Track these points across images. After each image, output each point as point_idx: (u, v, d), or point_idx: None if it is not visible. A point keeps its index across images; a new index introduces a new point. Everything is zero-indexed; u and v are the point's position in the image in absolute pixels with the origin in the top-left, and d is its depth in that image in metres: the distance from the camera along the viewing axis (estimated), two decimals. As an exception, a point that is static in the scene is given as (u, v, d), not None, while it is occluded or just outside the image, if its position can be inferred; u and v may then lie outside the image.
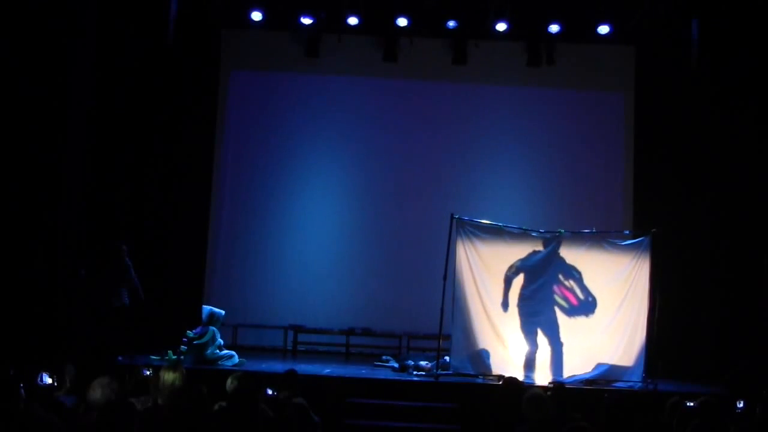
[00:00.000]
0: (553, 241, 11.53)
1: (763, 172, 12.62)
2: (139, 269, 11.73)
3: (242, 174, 14.86)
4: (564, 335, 11.39)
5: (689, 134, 13.52)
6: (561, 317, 11.48)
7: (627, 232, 12.55)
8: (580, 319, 11.47)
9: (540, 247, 11.60)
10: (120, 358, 10.89)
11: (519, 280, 11.51)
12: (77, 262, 11.62)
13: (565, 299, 11.51)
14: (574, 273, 11.54)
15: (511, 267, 11.51)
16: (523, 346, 11.38)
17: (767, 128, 12.55)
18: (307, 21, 14.15)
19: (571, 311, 11.49)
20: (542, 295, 11.48)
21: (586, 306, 11.49)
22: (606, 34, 14.06)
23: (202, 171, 14.11)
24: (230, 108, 14.88)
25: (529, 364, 11.27)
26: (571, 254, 11.58)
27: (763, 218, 12.58)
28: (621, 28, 13.98)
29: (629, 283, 11.51)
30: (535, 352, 11.31)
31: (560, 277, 11.52)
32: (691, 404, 7.23)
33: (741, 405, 8.52)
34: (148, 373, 7.52)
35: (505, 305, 11.45)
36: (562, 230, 11.72)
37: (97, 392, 5.86)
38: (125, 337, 11.26)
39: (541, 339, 11.38)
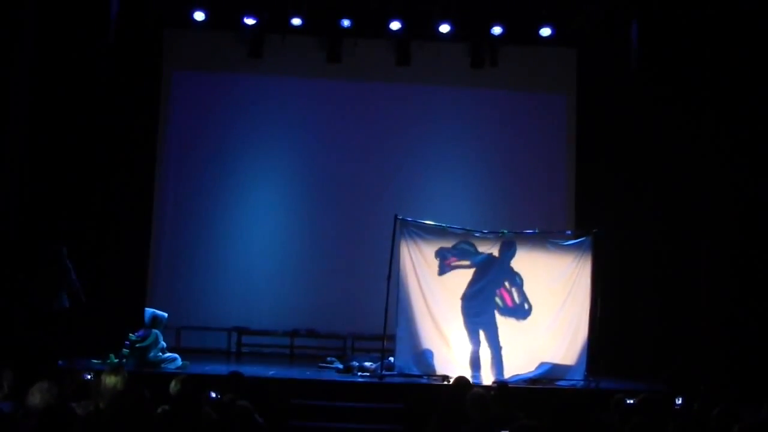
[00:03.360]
0: (508, 248, 11.59)
1: (702, 173, 12.83)
2: (80, 271, 11.55)
3: (185, 175, 14.73)
4: (508, 335, 11.49)
5: (630, 135, 13.70)
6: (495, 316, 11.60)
7: (569, 232, 12.69)
8: (517, 320, 11.59)
9: (489, 250, 11.67)
10: (60, 362, 10.71)
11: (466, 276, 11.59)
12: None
13: (502, 299, 11.63)
14: (516, 279, 11.67)
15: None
16: (466, 346, 11.45)
17: (706, 129, 12.75)
18: (250, 21, 14.06)
19: (504, 311, 11.63)
20: (485, 296, 11.57)
21: (520, 310, 11.63)
22: (548, 37, 14.20)
23: (144, 172, 13.92)
24: (172, 108, 14.73)
25: (475, 364, 11.35)
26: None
27: (700, 219, 12.80)
28: (563, 30, 14.14)
29: (571, 283, 11.66)
30: (478, 351, 11.39)
31: (505, 281, 11.63)
32: (632, 401, 7.35)
33: (679, 401, 8.68)
34: (89, 377, 7.45)
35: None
36: (505, 230, 11.82)
37: (36, 397, 5.79)
38: (66, 341, 11.08)
39: (483, 339, 11.46)
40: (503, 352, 11.40)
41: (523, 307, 11.61)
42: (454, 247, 11.63)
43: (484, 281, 11.58)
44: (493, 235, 11.78)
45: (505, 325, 11.53)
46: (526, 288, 11.63)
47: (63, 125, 12.81)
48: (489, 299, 11.57)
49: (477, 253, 11.65)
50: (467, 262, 11.62)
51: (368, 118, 14.98)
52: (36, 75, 12.34)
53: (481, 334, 11.45)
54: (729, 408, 6.62)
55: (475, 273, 11.59)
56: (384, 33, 14.33)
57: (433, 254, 11.57)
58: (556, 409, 6.59)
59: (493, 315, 11.53)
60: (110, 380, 6.59)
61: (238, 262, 14.52)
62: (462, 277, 11.63)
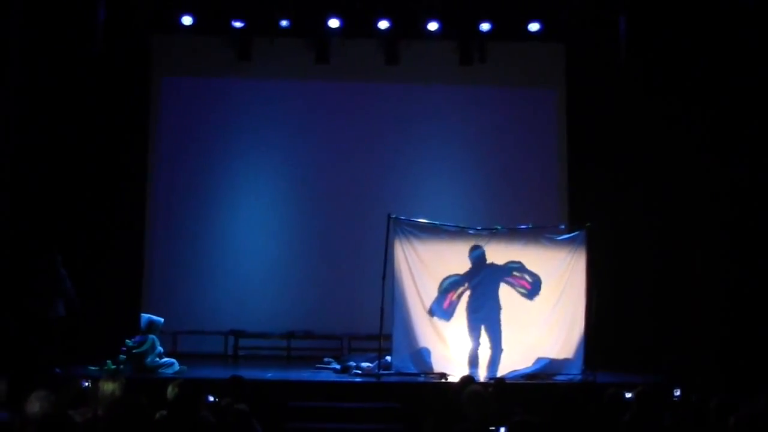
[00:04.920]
0: (477, 249, 11.62)
1: (693, 166, 12.86)
2: (75, 279, 11.53)
3: (177, 179, 14.71)
4: (505, 332, 11.46)
5: (620, 129, 13.74)
6: (521, 305, 11.59)
7: (562, 226, 12.72)
8: (520, 314, 11.59)
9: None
10: (57, 370, 10.70)
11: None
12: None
13: (522, 287, 11.62)
14: (514, 265, 11.65)
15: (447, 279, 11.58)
16: (464, 344, 11.45)
17: (695, 122, 12.79)
18: (238, 25, 14.06)
19: (529, 294, 11.61)
20: (482, 291, 11.54)
21: (536, 285, 11.64)
22: (536, 32, 14.22)
23: (137, 178, 13.91)
24: (163, 114, 14.71)
25: (473, 361, 11.34)
26: (508, 250, 11.68)
27: (693, 210, 12.83)
28: (551, 25, 14.16)
29: (566, 277, 11.67)
30: (477, 349, 11.38)
31: (504, 277, 11.62)
32: (629, 394, 7.36)
33: (677, 393, 8.70)
34: (86, 384, 7.42)
35: (442, 313, 11.52)
36: (499, 226, 11.83)
37: (35, 406, 5.78)
38: (62, 349, 11.07)
39: (483, 337, 11.44)
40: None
41: (539, 278, 11.62)
42: (441, 291, 11.55)
43: (479, 277, 11.55)
44: (487, 231, 11.78)
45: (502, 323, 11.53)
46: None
47: (54, 133, 12.79)
48: (487, 295, 11.53)
49: (463, 274, 11.62)
50: (462, 287, 11.60)
51: (359, 118, 14.97)
52: (24, 84, 12.30)
53: (483, 330, 11.43)
54: (727, 399, 6.64)
55: (467, 273, 11.59)
56: (372, 32, 14.32)
57: (427, 252, 11.56)
58: (554, 403, 6.60)
59: (497, 312, 11.48)
60: (108, 387, 6.59)
61: (233, 265, 14.51)
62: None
